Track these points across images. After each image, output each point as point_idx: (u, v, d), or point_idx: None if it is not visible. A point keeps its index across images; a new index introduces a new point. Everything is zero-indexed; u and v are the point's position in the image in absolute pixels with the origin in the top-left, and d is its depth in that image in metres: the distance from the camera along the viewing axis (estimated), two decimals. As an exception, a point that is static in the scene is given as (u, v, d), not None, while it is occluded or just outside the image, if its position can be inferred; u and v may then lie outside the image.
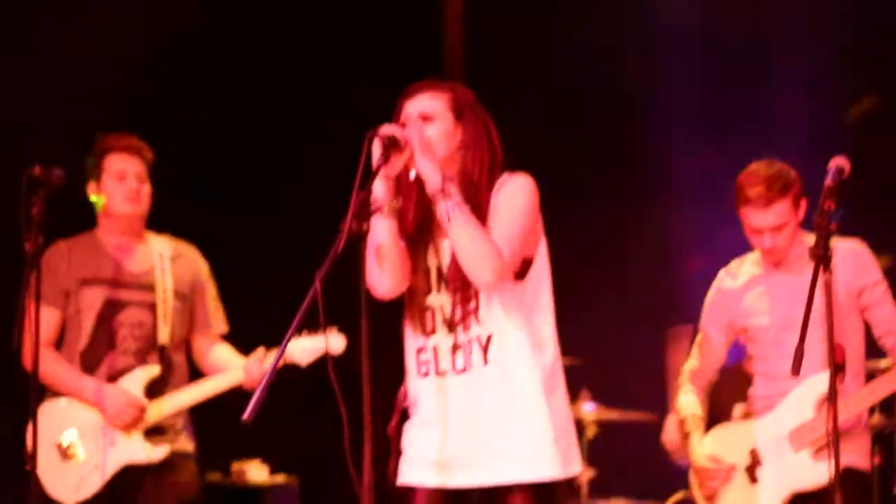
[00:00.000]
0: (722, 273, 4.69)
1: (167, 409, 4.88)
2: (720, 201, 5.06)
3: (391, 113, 3.80)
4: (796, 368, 3.94)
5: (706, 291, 4.77)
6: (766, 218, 4.43)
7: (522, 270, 3.75)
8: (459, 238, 3.62)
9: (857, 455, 4.43)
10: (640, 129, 7.07)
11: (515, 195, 3.73)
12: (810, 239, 4.38)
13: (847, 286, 4.43)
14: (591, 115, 7.12)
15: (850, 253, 4.46)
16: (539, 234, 3.79)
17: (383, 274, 3.72)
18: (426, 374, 3.77)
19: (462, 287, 3.72)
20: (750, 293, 4.58)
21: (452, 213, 3.60)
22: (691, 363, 4.76)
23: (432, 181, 3.63)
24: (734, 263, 4.68)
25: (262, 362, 4.86)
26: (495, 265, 3.61)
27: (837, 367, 4.04)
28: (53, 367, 4.82)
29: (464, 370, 3.72)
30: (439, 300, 3.77)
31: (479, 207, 3.70)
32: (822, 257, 3.88)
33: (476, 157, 3.75)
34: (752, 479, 4.50)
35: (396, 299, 3.82)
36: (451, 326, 3.75)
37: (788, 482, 4.43)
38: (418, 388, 3.77)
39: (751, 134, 6.63)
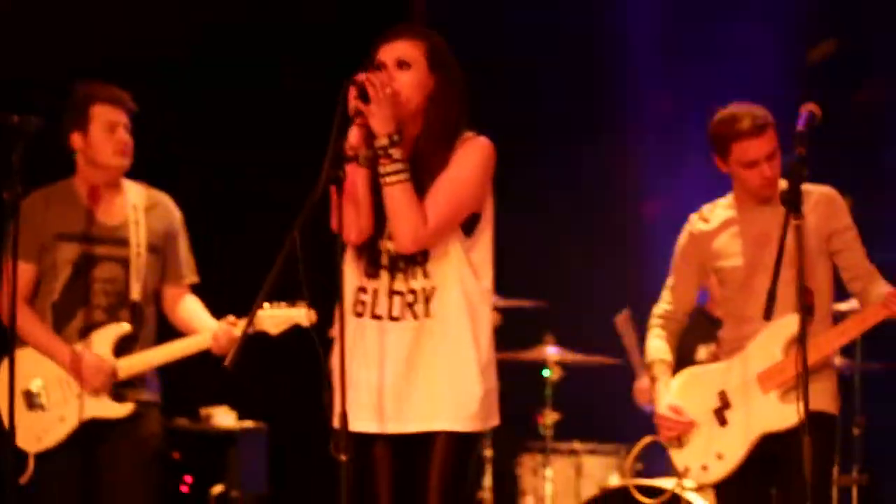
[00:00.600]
0: (693, 217, 4.67)
1: (135, 366, 4.84)
2: (683, 141, 5.07)
3: (359, 61, 3.76)
4: (768, 312, 3.98)
5: (670, 233, 4.77)
6: (763, 145, 4.41)
7: (470, 225, 3.78)
8: (389, 203, 3.69)
9: (825, 398, 4.44)
10: (605, 69, 7.05)
11: (468, 158, 3.75)
12: (783, 183, 4.41)
13: (818, 230, 4.43)
14: (553, 54, 7.08)
15: (822, 198, 4.47)
16: (487, 193, 3.81)
17: (357, 220, 3.73)
18: (361, 315, 3.79)
19: None
20: (722, 235, 4.57)
21: (389, 178, 3.66)
22: (662, 307, 4.75)
23: (379, 140, 3.66)
24: (706, 207, 4.67)
25: (232, 329, 4.82)
26: (414, 235, 3.68)
27: (806, 310, 4.07)
28: (29, 325, 4.76)
29: (400, 318, 3.75)
30: (387, 245, 3.79)
31: (437, 162, 3.73)
32: (793, 202, 3.92)
33: (443, 110, 3.75)
34: (721, 421, 4.52)
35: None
36: (393, 273, 3.77)
37: (757, 424, 4.44)
38: (351, 327, 3.76)
39: (713, 74, 6.65)
